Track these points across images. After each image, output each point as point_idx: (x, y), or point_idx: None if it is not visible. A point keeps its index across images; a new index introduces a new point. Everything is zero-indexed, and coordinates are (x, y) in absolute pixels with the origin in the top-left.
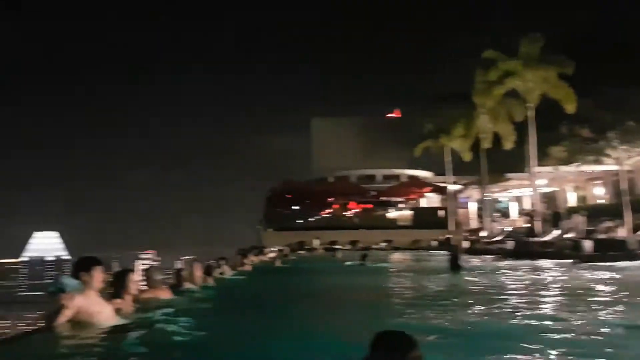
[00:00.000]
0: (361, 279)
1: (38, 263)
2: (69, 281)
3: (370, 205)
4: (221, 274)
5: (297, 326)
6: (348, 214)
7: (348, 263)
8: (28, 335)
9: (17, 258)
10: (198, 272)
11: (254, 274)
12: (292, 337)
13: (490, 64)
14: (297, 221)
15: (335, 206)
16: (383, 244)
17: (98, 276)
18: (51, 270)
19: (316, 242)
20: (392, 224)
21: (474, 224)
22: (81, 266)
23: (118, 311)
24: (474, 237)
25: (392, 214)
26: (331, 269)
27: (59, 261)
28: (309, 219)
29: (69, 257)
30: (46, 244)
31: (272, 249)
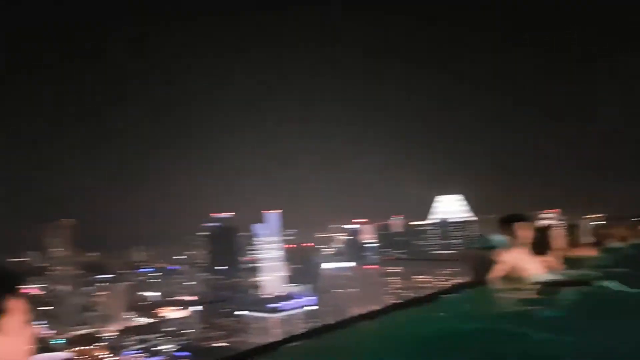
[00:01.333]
0: None
1: (444, 224)
2: (497, 238)
3: None
4: None
5: None
6: None
7: None
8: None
9: (423, 220)
10: (622, 230)
11: None
12: None
13: None
14: None
15: None
16: None
17: (523, 232)
18: (458, 231)
19: None
20: None
21: None
22: (507, 223)
23: (547, 267)
24: None
25: None
26: None
27: (464, 222)
28: None
29: (474, 218)
30: (450, 206)
31: None
